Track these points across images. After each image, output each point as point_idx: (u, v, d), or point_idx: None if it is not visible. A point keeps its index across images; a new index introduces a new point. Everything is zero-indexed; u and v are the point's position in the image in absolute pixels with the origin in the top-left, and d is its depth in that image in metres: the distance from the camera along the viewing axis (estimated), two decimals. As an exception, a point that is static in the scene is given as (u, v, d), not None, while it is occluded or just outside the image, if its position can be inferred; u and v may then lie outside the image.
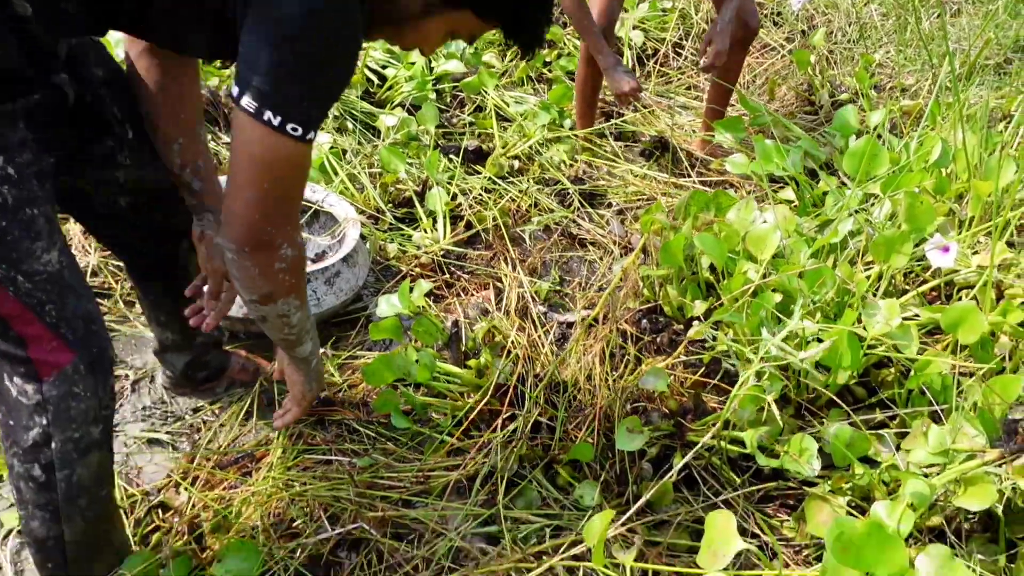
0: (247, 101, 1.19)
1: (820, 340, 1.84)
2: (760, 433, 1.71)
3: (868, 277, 1.98)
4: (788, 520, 1.73)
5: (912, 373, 1.75)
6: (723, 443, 1.79)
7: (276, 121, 1.19)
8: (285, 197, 1.30)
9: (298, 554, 1.71)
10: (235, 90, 1.20)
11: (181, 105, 1.59)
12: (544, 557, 1.67)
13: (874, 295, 1.95)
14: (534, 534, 1.77)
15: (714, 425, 1.81)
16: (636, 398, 2.07)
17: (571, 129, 3.25)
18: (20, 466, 1.39)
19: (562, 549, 1.65)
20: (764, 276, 1.99)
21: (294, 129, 1.20)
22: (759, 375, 1.67)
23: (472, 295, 2.50)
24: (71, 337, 1.34)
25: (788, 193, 2.67)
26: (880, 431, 1.76)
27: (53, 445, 1.37)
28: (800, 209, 2.43)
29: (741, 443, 1.82)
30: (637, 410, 1.99)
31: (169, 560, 1.58)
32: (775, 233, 2.05)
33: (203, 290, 1.79)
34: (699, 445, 1.66)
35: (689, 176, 3.05)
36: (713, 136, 3.05)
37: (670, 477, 1.78)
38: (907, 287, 2.20)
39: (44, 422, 1.36)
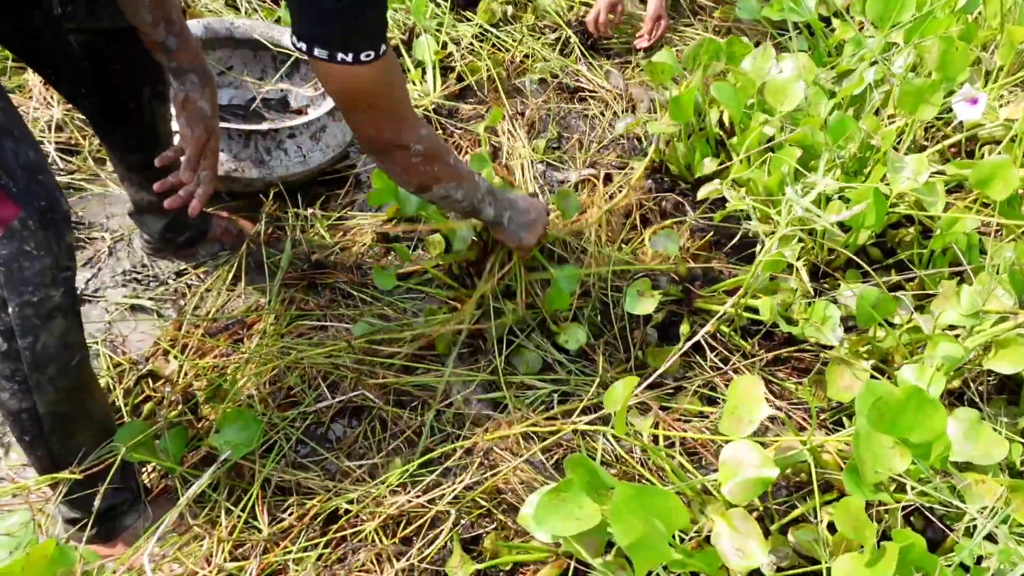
0: (319, 51, 1.26)
1: (842, 198, 1.74)
2: (778, 300, 1.63)
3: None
4: (802, 385, 1.69)
5: (937, 232, 1.67)
6: (738, 310, 1.72)
7: (350, 57, 1.27)
8: (391, 108, 1.40)
9: (298, 423, 1.65)
10: (303, 45, 1.27)
11: None
12: (555, 422, 1.63)
13: (895, 150, 1.84)
14: (541, 400, 1.72)
15: (728, 293, 1.75)
16: (642, 261, 1.99)
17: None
18: None
19: (574, 414, 1.60)
20: (783, 130, 1.87)
21: (367, 55, 1.28)
22: (782, 239, 1.58)
23: (466, 152, 2.36)
24: (14, 188, 1.20)
25: (800, 43, 2.50)
26: (897, 293, 1.69)
27: (10, 310, 1.25)
28: (815, 58, 2.27)
29: (753, 309, 1.75)
30: (645, 274, 1.90)
31: (164, 431, 1.51)
32: (797, 83, 1.91)
33: (180, 161, 1.63)
34: (720, 314, 1.59)
35: (691, 22, 2.86)
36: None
37: (682, 346, 1.73)
38: (926, 143, 2.10)
39: None
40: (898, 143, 1.87)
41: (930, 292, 1.65)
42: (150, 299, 1.93)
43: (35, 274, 1.24)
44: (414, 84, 2.51)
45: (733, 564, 1.18)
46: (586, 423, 1.56)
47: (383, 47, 1.30)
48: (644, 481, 1.48)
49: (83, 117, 2.17)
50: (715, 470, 1.53)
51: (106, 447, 1.43)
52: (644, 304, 1.75)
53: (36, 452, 1.40)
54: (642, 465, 1.54)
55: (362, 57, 1.27)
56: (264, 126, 2.04)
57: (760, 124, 1.88)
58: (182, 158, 1.61)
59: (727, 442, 1.28)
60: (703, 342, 1.78)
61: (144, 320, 1.89)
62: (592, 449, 1.59)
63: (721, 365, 1.75)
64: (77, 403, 1.40)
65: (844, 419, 1.55)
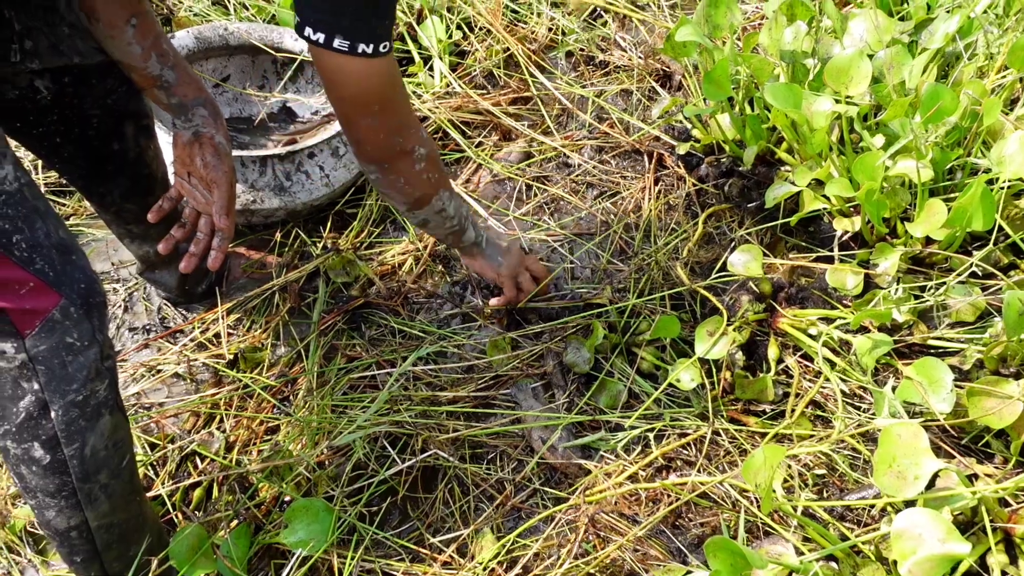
0: (339, 42, 1.13)
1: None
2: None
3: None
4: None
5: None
6: (830, 336, 1.52)
7: (370, 48, 1.15)
8: (397, 109, 1.28)
9: (364, 497, 1.46)
10: (319, 36, 1.12)
11: None
12: (662, 474, 1.45)
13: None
14: (635, 439, 1.53)
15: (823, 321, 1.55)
16: (711, 262, 1.79)
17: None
18: (16, 448, 1.10)
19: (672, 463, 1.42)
20: (864, 119, 1.64)
21: (384, 47, 1.16)
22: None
23: (497, 148, 2.14)
24: (51, 273, 1.04)
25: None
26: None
27: (53, 414, 1.08)
28: (880, 7, 2.02)
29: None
30: (716, 290, 1.69)
31: (227, 531, 1.32)
32: (862, 61, 1.67)
33: (182, 213, 1.42)
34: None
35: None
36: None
37: (770, 373, 1.55)
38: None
39: (36, 387, 1.07)
40: (1008, 110, 1.65)
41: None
42: (176, 359, 1.72)
43: (79, 368, 1.08)
44: (424, 77, 2.26)
45: (925, 658, 1.01)
46: (696, 471, 1.37)
47: (385, 46, 1.17)
48: (778, 539, 1.30)
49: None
50: (859, 520, 1.36)
51: (163, 556, 1.25)
52: (718, 347, 1.55)
53: (89, 573, 1.23)
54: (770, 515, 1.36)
55: (381, 48, 1.15)
56: (282, 149, 1.81)
57: (830, 122, 1.64)
58: (188, 208, 1.40)
59: (888, 502, 1.09)
60: (795, 362, 1.60)
61: (175, 385, 1.69)
62: (709, 498, 1.41)
63: (818, 382, 1.56)
64: (132, 510, 1.23)
65: (992, 441, 1.37)
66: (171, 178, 1.60)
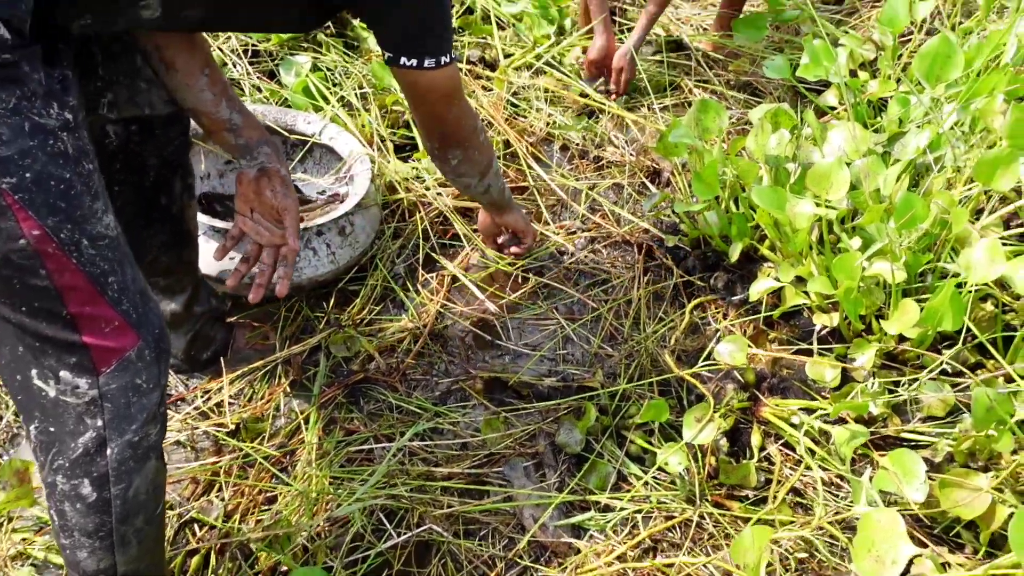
0: (428, 62, 1.39)
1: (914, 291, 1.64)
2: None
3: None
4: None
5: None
6: (811, 426, 1.61)
7: (448, 58, 1.42)
8: (465, 98, 1.59)
9: (361, 569, 1.50)
10: (412, 62, 1.39)
11: (194, 32, 1.41)
12: (650, 555, 1.50)
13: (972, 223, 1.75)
14: (622, 521, 1.59)
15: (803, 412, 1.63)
16: (696, 350, 1.88)
17: (575, 28, 2.91)
18: (65, 483, 1.13)
19: (658, 544, 1.47)
20: (842, 222, 1.77)
21: (455, 54, 1.47)
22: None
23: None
24: (134, 316, 1.11)
25: (829, 98, 2.43)
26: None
27: (109, 452, 1.12)
28: (855, 118, 2.18)
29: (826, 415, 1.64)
30: (703, 377, 1.78)
31: (225, 601, 1.36)
32: (841, 170, 1.80)
33: (243, 247, 1.56)
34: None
35: (708, 77, 2.76)
36: (732, 35, 2.76)
37: (752, 460, 1.62)
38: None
39: (99, 424, 1.11)
40: (975, 219, 1.78)
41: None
42: (179, 429, 1.76)
43: (140, 410, 1.13)
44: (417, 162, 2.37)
45: None
46: (683, 553, 1.43)
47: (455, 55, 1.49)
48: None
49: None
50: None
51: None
52: (705, 432, 1.63)
53: None
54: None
55: (453, 56, 1.43)
56: (291, 229, 1.89)
57: (811, 223, 1.76)
58: (251, 243, 1.53)
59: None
60: (777, 450, 1.68)
61: (174, 452, 1.73)
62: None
63: (799, 470, 1.63)
64: (155, 558, 1.27)
65: (962, 532, 1.44)
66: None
